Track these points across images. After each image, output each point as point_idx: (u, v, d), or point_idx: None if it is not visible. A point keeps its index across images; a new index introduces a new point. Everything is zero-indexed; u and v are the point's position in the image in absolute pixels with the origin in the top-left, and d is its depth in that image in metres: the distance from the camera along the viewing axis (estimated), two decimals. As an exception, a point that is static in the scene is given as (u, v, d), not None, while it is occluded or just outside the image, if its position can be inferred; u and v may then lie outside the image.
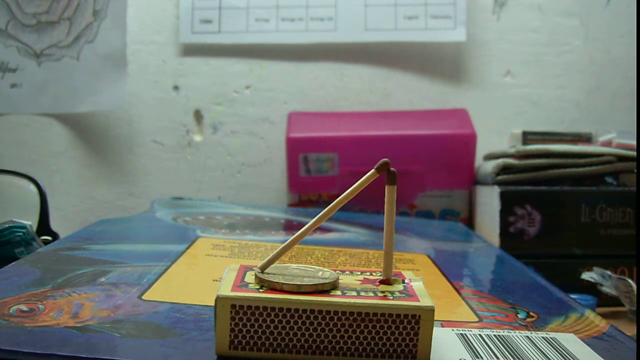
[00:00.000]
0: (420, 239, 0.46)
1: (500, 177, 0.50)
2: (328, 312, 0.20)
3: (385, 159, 0.21)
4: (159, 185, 0.66)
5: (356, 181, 0.22)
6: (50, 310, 0.23)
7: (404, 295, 0.21)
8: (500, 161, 0.51)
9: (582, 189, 0.48)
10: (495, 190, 0.49)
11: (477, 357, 0.22)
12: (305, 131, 0.58)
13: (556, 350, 0.23)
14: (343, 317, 0.20)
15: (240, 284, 0.21)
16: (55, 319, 0.23)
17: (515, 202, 0.48)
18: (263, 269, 0.22)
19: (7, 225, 0.37)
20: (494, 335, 0.24)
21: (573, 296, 0.33)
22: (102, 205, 0.66)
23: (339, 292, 0.21)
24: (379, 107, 0.65)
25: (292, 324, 0.20)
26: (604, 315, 0.29)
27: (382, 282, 0.22)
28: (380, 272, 0.23)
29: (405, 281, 0.23)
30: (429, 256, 0.39)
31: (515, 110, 0.66)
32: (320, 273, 0.22)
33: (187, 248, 0.36)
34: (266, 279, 0.21)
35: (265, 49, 0.65)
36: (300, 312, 0.20)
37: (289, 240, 0.22)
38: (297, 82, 0.65)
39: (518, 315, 0.28)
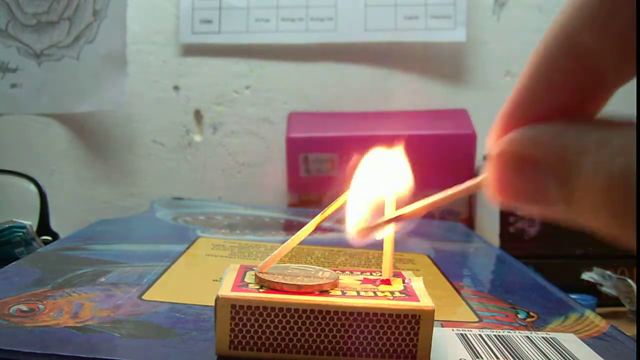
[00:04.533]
0: (420, 239, 0.46)
1: (500, 177, 0.50)
2: (328, 312, 0.20)
3: (385, 159, 0.21)
4: (159, 185, 0.66)
5: (356, 181, 0.22)
6: (50, 310, 0.23)
7: (404, 295, 0.21)
8: (500, 161, 0.50)
9: (582, 189, 0.48)
10: (495, 190, 0.49)
11: (477, 357, 0.22)
12: (305, 131, 0.58)
13: (556, 351, 0.23)
14: (343, 317, 0.20)
15: (240, 284, 0.21)
16: (55, 319, 0.23)
17: (515, 202, 0.48)
18: (263, 269, 0.22)
19: (7, 225, 0.37)
20: (494, 335, 0.24)
21: (573, 296, 0.33)
22: (102, 205, 0.66)
23: (339, 292, 0.21)
24: (379, 107, 0.65)
25: (292, 324, 0.20)
26: (604, 315, 0.29)
27: (382, 282, 0.22)
28: (380, 272, 0.23)
29: (405, 281, 0.23)
30: (429, 256, 0.39)
31: (515, 110, 0.66)
32: (320, 273, 0.22)
33: (187, 248, 0.36)
34: (266, 279, 0.21)
35: (265, 49, 0.65)
36: (300, 312, 0.20)
37: (289, 240, 0.22)
38: (297, 82, 0.65)
39: (518, 315, 0.28)
